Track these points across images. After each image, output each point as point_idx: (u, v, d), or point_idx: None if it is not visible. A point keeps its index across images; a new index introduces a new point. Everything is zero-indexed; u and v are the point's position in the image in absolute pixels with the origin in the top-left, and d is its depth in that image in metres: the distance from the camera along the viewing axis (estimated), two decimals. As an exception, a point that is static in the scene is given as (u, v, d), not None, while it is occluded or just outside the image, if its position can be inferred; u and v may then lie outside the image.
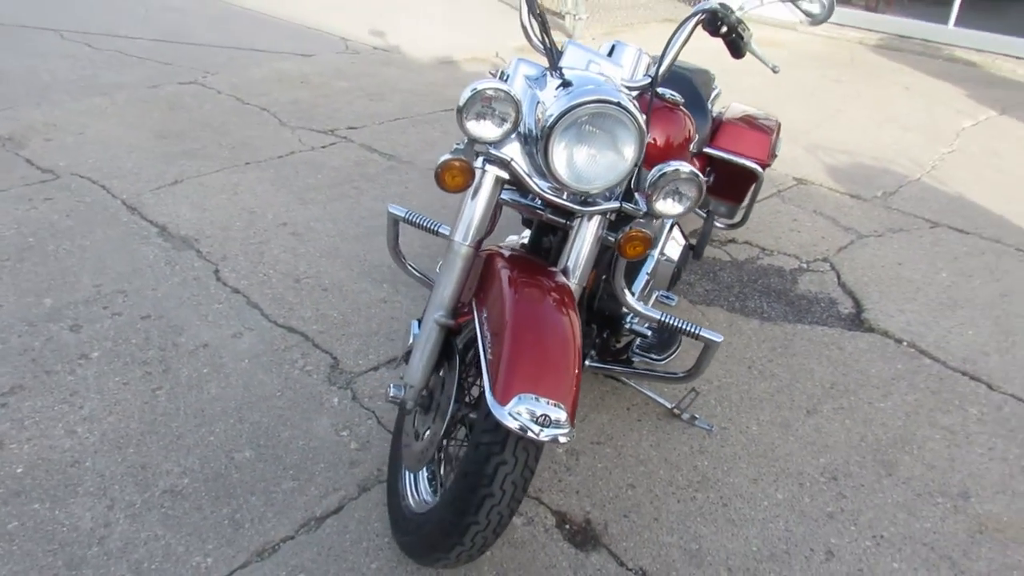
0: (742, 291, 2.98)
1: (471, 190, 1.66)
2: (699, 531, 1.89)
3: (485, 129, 1.54)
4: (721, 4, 1.84)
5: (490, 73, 1.80)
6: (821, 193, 3.92)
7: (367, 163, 3.90)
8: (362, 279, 2.87)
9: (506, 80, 1.70)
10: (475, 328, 1.64)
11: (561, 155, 1.54)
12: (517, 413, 1.37)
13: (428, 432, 1.68)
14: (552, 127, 1.51)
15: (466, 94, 1.50)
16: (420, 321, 1.78)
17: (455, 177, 1.61)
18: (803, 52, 6.72)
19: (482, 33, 6.64)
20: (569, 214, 1.80)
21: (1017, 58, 6.56)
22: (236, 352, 2.42)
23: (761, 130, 2.75)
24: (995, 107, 5.46)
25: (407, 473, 1.84)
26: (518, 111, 1.53)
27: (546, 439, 1.37)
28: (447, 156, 1.59)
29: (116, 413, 2.15)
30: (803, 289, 3.01)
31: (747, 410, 2.32)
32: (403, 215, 2.08)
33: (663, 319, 1.86)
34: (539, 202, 1.80)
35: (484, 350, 1.49)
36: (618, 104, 1.51)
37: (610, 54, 1.90)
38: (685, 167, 1.57)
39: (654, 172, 1.58)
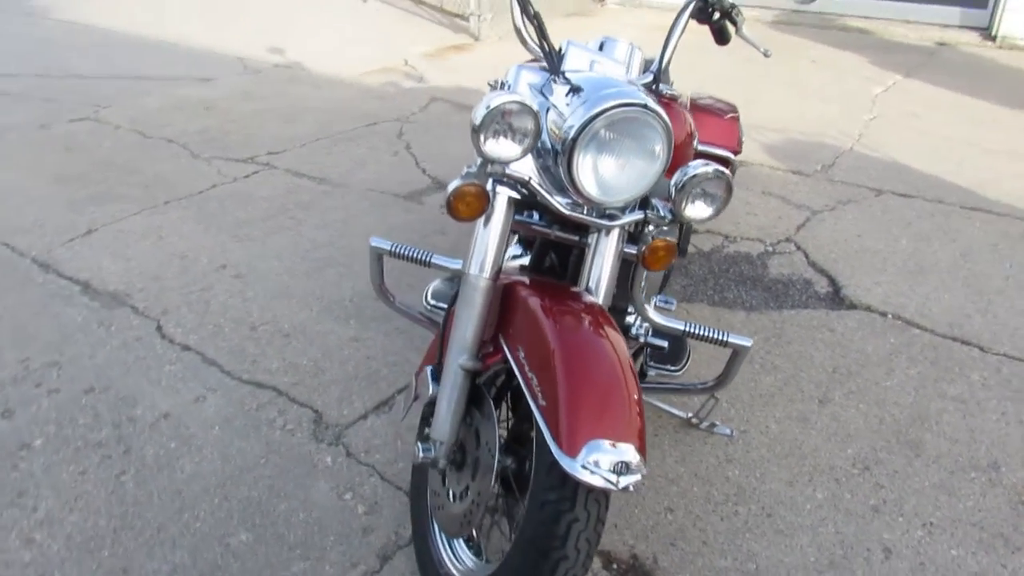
0: (717, 283, 2.90)
1: (483, 217, 1.49)
2: (751, 548, 1.78)
3: (504, 148, 1.37)
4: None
5: (489, 85, 1.64)
6: (764, 173, 3.91)
7: (298, 190, 3.64)
8: (324, 318, 2.64)
9: (508, 90, 1.53)
10: (505, 369, 1.49)
11: (587, 168, 1.39)
12: (592, 464, 1.21)
13: (470, 492, 1.49)
14: (576, 139, 1.36)
15: (480, 112, 1.33)
16: (434, 367, 1.60)
17: (470, 205, 1.43)
18: (706, 35, 6.76)
19: (385, 43, 6.40)
20: (582, 230, 1.65)
21: (906, 22, 6.81)
22: (203, 419, 2.16)
23: (727, 117, 2.67)
24: (899, 71, 5.63)
25: (440, 539, 1.65)
26: (538, 125, 1.36)
27: (625, 488, 1.22)
28: (458, 182, 1.41)
29: (78, 510, 1.87)
30: (776, 273, 2.96)
31: (760, 408, 2.23)
32: (388, 248, 1.88)
33: (688, 329, 1.74)
34: (544, 220, 1.65)
35: (533, 394, 1.32)
36: (644, 106, 1.37)
37: (600, 50, 1.75)
38: (712, 167, 1.44)
39: (679, 175, 1.45)
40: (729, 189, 1.48)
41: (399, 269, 2.77)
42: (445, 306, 2.12)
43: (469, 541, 1.64)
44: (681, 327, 1.73)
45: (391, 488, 1.94)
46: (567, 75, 1.51)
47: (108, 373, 2.34)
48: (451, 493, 1.56)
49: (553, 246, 1.80)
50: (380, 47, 6.25)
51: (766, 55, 1.94)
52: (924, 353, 2.48)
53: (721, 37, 1.89)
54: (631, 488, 1.23)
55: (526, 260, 1.92)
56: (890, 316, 2.68)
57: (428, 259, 1.87)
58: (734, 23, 1.82)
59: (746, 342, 1.74)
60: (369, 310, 2.69)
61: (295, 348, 2.48)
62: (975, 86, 5.26)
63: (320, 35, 6.63)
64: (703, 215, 1.49)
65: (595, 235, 1.60)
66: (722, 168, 1.45)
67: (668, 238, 1.56)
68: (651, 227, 1.55)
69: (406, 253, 1.88)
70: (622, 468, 1.22)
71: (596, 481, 1.20)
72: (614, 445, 1.23)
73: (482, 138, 1.35)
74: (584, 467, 1.21)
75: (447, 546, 1.64)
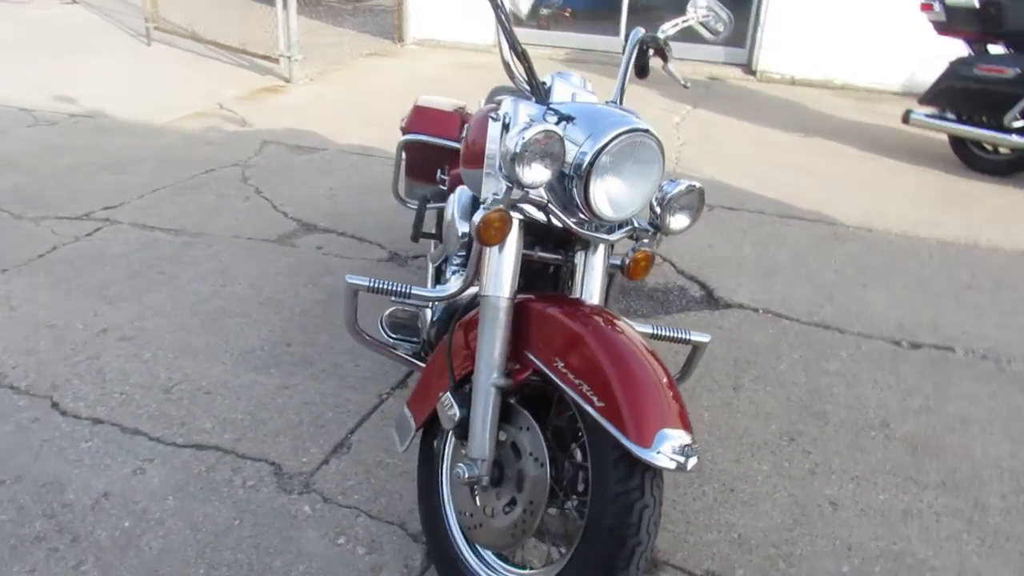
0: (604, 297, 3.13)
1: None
2: (728, 520, 1.99)
3: (538, 174, 1.47)
4: (661, 31, 1.94)
5: (491, 117, 1.71)
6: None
7: (155, 244, 3.41)
8: (241, 370, 2.52)
9: (509, 122, 1.63)
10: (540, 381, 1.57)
11: (600, 189, 1.53)
12: (667, 451, 1.34)
13: (518, 503, 1.55)
14: (592, 164, 1.49)
15: (518, 141, 1.43)
16: (453, 391, 1.64)
17: (499, 230, 1.53)
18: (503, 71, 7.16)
19: (187, 87, 6.10)
20: (562, 249, 1.79)
21: (681, 59, 7.64)
22: (150, 491, 2.00)
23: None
24: (687, 103, 6.33)
25: (471, 558, 1.68)
26: (564, 150, 1.49)
27: (693, 468, 1.37)
28: (484, 212, 1.49)
29: (42, 610, 1.66)
30: (653, 283, 3.26)
31: (691, 400, 2.46)
32: (366, 284, 1.89)
33: (655, 331, 1.92)
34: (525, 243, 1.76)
35: (586, 398, 1.42)
36: (646, 131, 1.54)
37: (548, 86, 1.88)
38: (686, 183, 1.64)
39: (663, 192, 1.63)
40: (702, 200, 1.69)
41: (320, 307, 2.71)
42: (411, 338, 2.14)
43: (501, 553, 1.69)
44: (649, 330, 1.91)
45: (383, 524, 1.93)
46: (557, 106, 1.64)
47: (13, 462, 2.08)
48: (489, 509, 1.60)
49: (525, 268, 1.90)
50: (184, 91, 5.94)
51: (685, 87, 2.19)
52: (799, 339, 2.87)
53: (643, 71, 2.11)
54: (694, 468, 1.37)
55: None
56: (761, 311, 3.06)
57: (408, 291, 1.90)
58: (665, 59, 2.04)
59: (705, 338, 1.96)
60: (286, 356, 2.61)
61: (223, 404, 2.35)
62: (750, 113, 6.06)
63: (109, 81, 6.17)
64: (683, 225, 1.69)
65: (581, 252, 1.74)
66: (694, 183, 1.66)
67: (647, 249, 1.75)
68: (635, 240, 1.73)
69: (384, 287, 1.90)
70: (687, 451, 1.36)
71: (671, 465, 1.33)
72: (675, 431, 1.37)
73: (519, 166, 1.44)
74: (660, 454, 1.33)
75: (479, 563, 1.68)
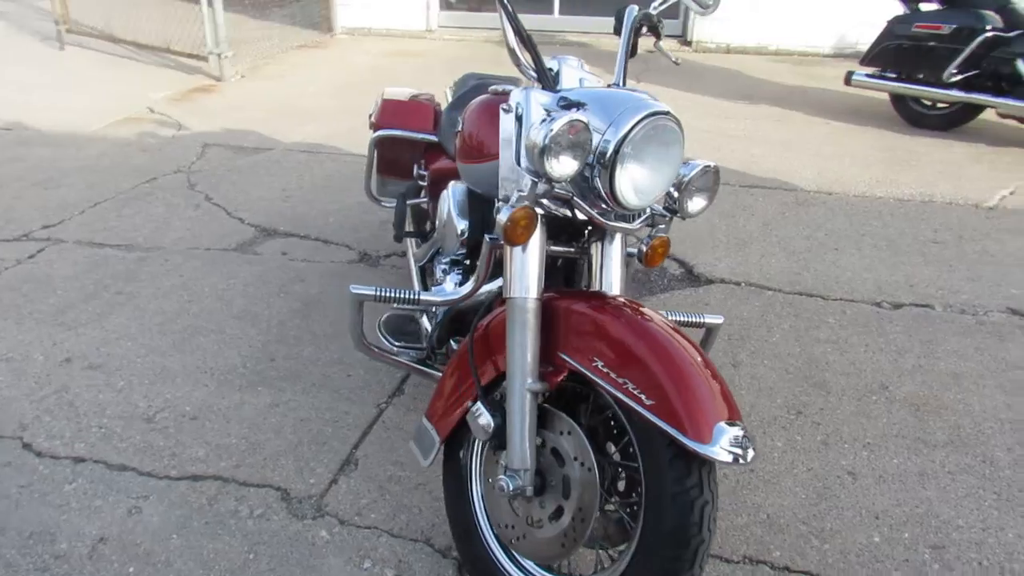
0: (587, 281, 3.09)
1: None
2: (755, 501, 1.97)
3: (566, 166, 1.40)
4: (652, 7, 1.89)
5: (503, 109, 1.61)
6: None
7: (106, 262, 3.21)
8: (227, 391, 2.39)
9: (521, 113, 1.54)
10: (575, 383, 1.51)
11: (626, 177, 1.47)
12: (727, 445, 1.30)
13: (566, 511, 1.49)
14: (617, 151, 1.43)
15: (544, 133, 1.35)
16: (481, 400, 1.56)
17: (527, 228, 1.46)
18: (446, 57, 7.03)
19: (112, 91, 5.79)
20: (576, 241, 1.73)
21: (612, 34, 7.63)
22: (152, 531, 1.87)
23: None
24: (631, 76, 6.29)
25: (510, 569, 1.62)
26: (591, 140, 1.42)
27: (751, 459, 1.33)
28: (509, 210, 1.42)
29: (53, 675, 1.53)
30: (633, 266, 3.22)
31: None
32: (373, 293, 1.80)
33: (670, 318, 1.88)
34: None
35: (633, 397, 1.36)
36: (667, 113, 1.49)
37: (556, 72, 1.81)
38: (701, 164, 1.60)
39: (680, 175, 1.58)
40: (718, 180, 1.64)
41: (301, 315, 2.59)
42: (415, 344, 2.05)
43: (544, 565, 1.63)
44: (666, 316, 1.87)
45: (407, 542, 1.85)
46: (567, 93, 1.57)
47: (-8, 510, 1.92)
48: (534, 520, 1.54)
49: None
50: (108, 96, 5.63)
51: (676, 63, 2.14)
52: (785, 309, 2.87)
53: (634, 50, 2.05)
54: (752, 459, 1.33)
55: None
56: (743, 284, 3.06)
57: (416, 296, 1.82)
58: (658, 36, 1.99)
59: (718, 320, 1.93)
60: (271, 372, 2.49)
61: (213, 429, 2.22)
62: (694, 84, 6.08)
63: (24, 90, 5.80)
64: (701, 207, 1.64)
65: (597, 243, 1.68)
66: (710, 163, 1.61)
67: (664, 235, 1.69)
68: (652, 227, 1.67)
69: (391, 295, 1.81)
70: (744, 442, 1.33)
71: (731, 459, 1.29)
72: (731, 424, 1.33)
73: (547, 159, 1.37)
74: (720, 449, 1.29)
75: (525, 574, 1.62)
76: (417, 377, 2.40)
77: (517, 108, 1.55)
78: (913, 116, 5.05)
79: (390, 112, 2.64)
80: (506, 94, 1.81)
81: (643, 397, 1.36)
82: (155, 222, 3.60)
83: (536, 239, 1.51)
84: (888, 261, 3.25)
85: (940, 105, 4.95)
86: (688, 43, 7.37)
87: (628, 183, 1.47)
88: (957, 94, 4.64)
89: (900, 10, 4.92)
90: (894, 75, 4.93)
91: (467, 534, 1.70)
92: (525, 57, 1.61)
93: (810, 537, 1.87)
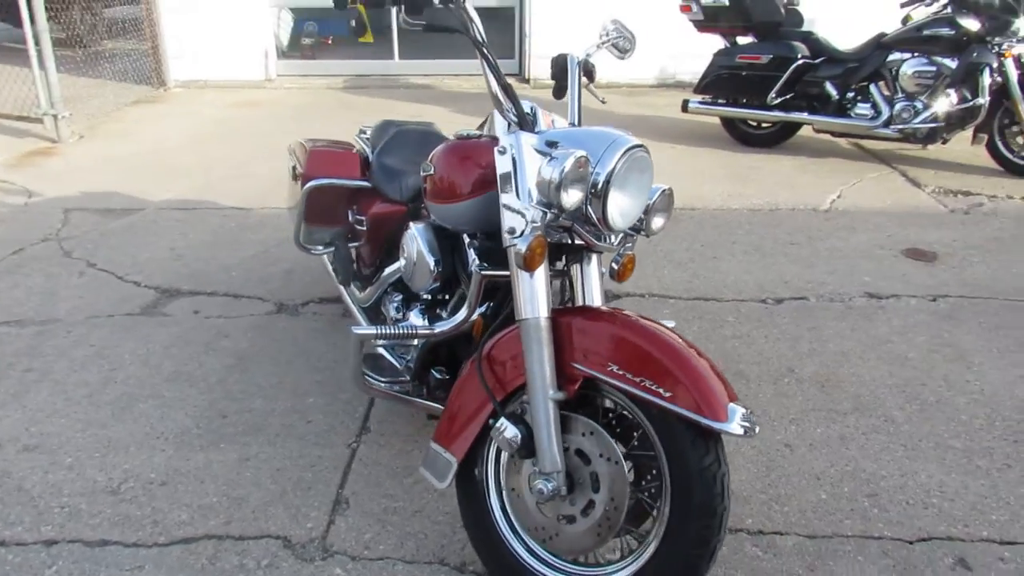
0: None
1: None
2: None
3: (574, 197, 1.60)
4: (585, 54, 2.12)
5: (498, 151, 1.75)
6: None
7: (0, 341, 3.01)
8: (188, 452, 2.35)
9: (515, 156, 1.71)
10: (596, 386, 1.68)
11: (614, 204, 1.68)
12: (739, 421, 1.53)
13: (596, 504, 1.65)
14: (608, 181, 1.64)
15: (559, 169, 1.54)
16: (501, 415, 1.71)
17: (540, 255, 1.63)
18: (293, 105, 7.02)
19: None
20: (552, 264, 1.92)
21: (456, 75, 7.95)
22: (160, 598, 1.84)
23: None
24: (481, 115, 6.60)
25: (543, 571, 1.76)
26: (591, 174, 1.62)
27: (758, 431, 1.57)
28: (527, 240, 1.58)
29: None
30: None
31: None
32: (375, 332, 1.90)
33: None
34: None
35: (652, 392, 1.56)
36: (641, 145, 1.72)
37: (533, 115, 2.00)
38: (662, 187, 1.86)
39: (651, 195, 1.82)
40: (672, 201, 1.91)
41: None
42: (398, 378, 2.15)
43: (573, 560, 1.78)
44: None
45: (423, 566, 1.93)
46: (549, 134, 1.77)
47: (-30, 609, 1.81)
48: (565, 516, 1.69)
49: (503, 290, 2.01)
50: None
51: (603, 102, 2.39)
52: (691, 313, 3.21)
53: (561, 92, 2.27)
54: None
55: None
56: (647, 295, 3.37)
57: (414, 331, 1.94)
58: (591, 79, 2.23)
59: (670, 324, 2.19)
60: (228, 428, 2.47)
61: (188, 491, 2.19)
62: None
63: None
64: (661, 225, 1.89)
65: (576, 264, 1.89)
66: (666, 187, 1.87)
67: (631, 253, 1.93)
68: (624, 244, 1.89)
69: (391, 332, 1.92)
70: (751, 418, 1.56)
71: (743, 433, 1.52)
72: (738, 405, 1.57)
73: (562, 192, 1.56)
74: (736, 424, 1.52)
75: (559, 572, 1.76)
76: (381, 412, 2.50)
77: (511, 149, 1.72)
78: (743, 136, 5.69)
79: (320, 162, 2.71)
80: (471, 138, 1.99)
81: (661, 391, 1.56)
82: (39, 294, 3.39)
83: (543, 267, 1.68)
84: (760, 263, 3.69)
85: (764, 125, 5.62)
86: (527, 80, 7.81)
87: (616, 209, 1.69)
88: (779, 114, 5.31)
89: (721, 44, 5.55)
90: (724, 101, 5.54)
91: (493, 546, 1.82)
92: (507, 102, 1.78)
93: (771, 503, 2.14)
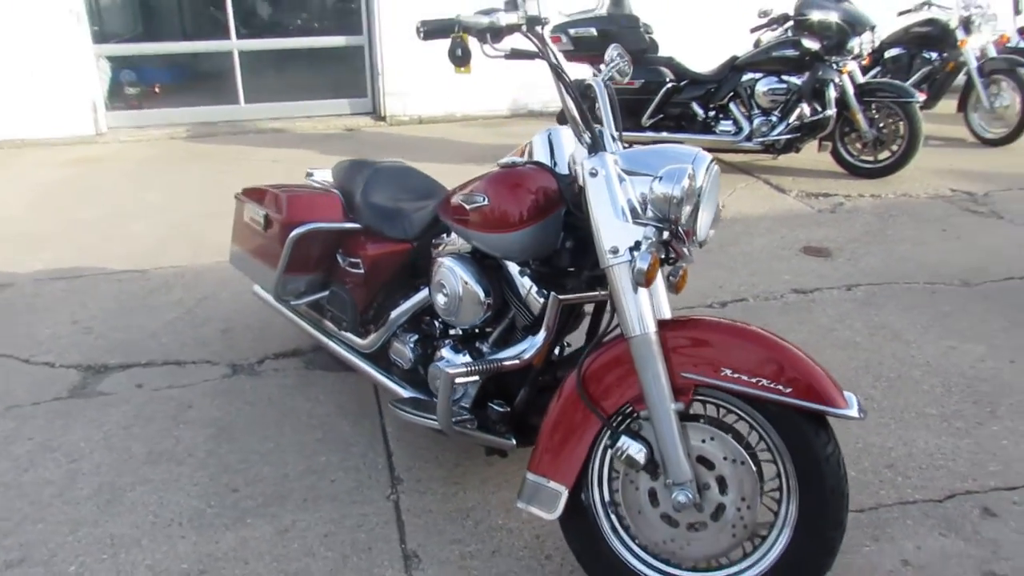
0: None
1: (629, 282, 1.70)
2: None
3: (687, 211, 1.65)
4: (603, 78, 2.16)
5: (589, 174, 1.72)
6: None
7: (-92, 447, 2.56)
8: (214, 533, 2.13)
9: (604, 174, 1.74)
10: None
11: (704, 215, 1.76)
12: (856, 406, 1.64)
13: (727, 506, 1.70)
14: (701, 193, 1.72)
15: (679, 186, 1.61)
16: (618, 433, 1.73)
17: (656, 270, 1.66)
18: (136, 160, 6.49)
19: None
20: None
21: (308, 117, 7.73)
22: None
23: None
24: (344, 154, 6.47)
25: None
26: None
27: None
28: (647, 257, 1.62)
29: None
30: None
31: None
32: (466, 369, 1.87)
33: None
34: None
35: (770, 390, 1.64)
36: (715, 159, 1.82)
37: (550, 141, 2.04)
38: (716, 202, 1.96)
39: None
40: (720, 214, 2.02)
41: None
42: (464, 417, 2.08)
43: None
44: None
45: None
46: (623, 154, 1.81)
47: None
48: (694, 525, 1.72)
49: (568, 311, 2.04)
50: None
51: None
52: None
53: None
54: None
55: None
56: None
57: (498, 364, 1.91)
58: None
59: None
60: (248, 501, 2.26)
61: (239, 575, 1.98)
62: (419, 154, 6.39)
63: None
64: (713, 235, 1.99)
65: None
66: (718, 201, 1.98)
67: (686, 264, 2.01)
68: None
69: (481, 367, 1.89)
70: (861, 401, 1.69)
71: (862, 416, 1.64)
72: (847, 391, 1.68)
73: (682, 207, 1.61)
74: (855, 410, 1.63)
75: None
76: (404, 459, 2.42)
77: (602, 171, 1.74)
78: (616, 158, 5.98)
79: (302, 207, 2.56)
80: (516, 166, 2.00)
81: (780, 388, 1.64)
82: (-59, 387, 2.92)
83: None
84: (693, 271, 3.90)
85: (635, 145, 5.94)
86: (383, 118, 7.75)
87: (704, 220, 1.76)
88: (652, 134, 5.66)
89: (588, 73, 5.84)
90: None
91: (614, 570, 1.80)
92: (583, 126, 1.81)
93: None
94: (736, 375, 1.67)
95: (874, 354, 3.05)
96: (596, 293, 1.95)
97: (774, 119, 5.40)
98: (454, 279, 2.10)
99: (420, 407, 2.19)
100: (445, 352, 2.23)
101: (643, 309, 1.70)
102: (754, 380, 1.66)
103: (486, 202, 1.97)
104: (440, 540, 2.09)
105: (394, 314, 2.42)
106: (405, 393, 2.32)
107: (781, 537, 1.71)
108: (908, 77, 6.56)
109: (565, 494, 1.78)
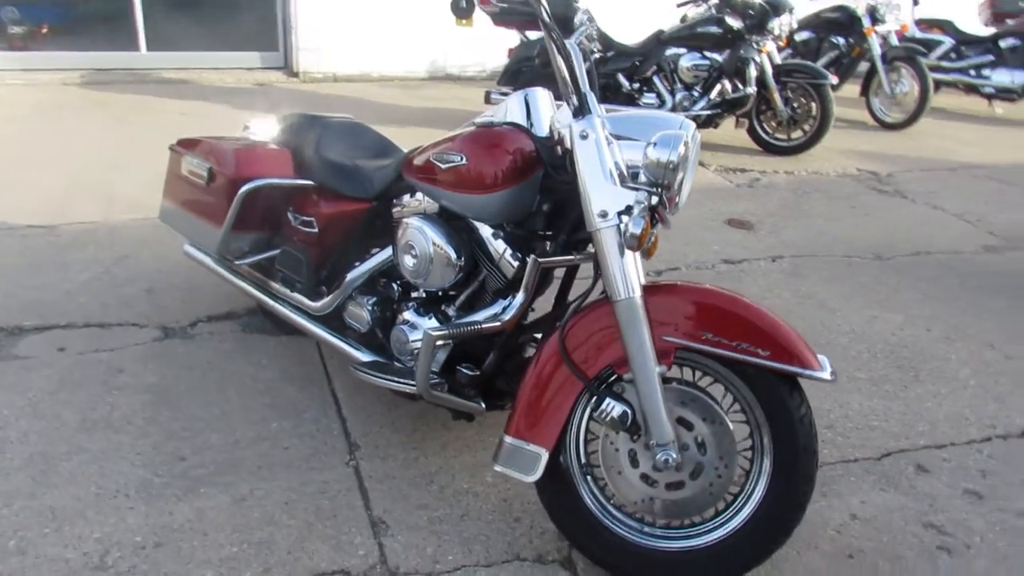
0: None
1: (616, 246, 1.71)
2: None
3: (680, 176, 1.67)
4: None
5: (580, 136, 1.69)
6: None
7: None
8: (165, 504, 2.03)
9: (594, 136, 1.73)
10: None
11: (687, 181, 1.78)
12: (827, 367, 1.72)
13: (706, 467, 1.75)
14: (687, 159, 1.73)
15: (678, 151, 1.61)
16: (609, 395, 1.75)
17: (647, 234, 1.67)
18: (28, 105, 5.98)
19: None
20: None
21: (216, 69, 7.34)
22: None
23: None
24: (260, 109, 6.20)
25: (653, 543, 1.81)
26: (686, 154, 1.70)
27: (835, 376, 1.78)
28: (640, 221, 1.63)
29: None
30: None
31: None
32: (447, 331, 1.84)
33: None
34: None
35: (749, 352, 1.69)
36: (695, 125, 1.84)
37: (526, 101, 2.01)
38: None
39: None
40: None
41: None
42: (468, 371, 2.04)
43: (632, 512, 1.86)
44: None
45: (501, 567, 1.89)
46: (607, 117, 1.81)
47: None
48: (671, 484, 1.76)
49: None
50: None
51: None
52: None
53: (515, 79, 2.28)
54: None
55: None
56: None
57: (480, 325, 1.89)
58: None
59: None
60: (198, 470, 2.16)
61: (198, 547, 1.90)
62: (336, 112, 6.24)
63: None
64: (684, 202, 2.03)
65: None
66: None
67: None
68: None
69: (463, 329, 1.87)
70: (830, 363, 1.76)
71: (833, 378, 1.72)
72: (820, 354, 1.75)
73: (677, 172, 1.62)
74: (827, 371, 1.70)
75: (658, 538, 1.82)
76: (359, 425, 2.37)
77: (592, 133, 1.73)
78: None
79: (251, 162, 2.43)
80: (493, 127, 1.96)
81: (759, 351, 1.70)
82: None
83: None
84: (622, 241, 3.96)
85: (559, 115, 5.96)
86: (295, 74, 7.46)
87: (687, 186, 1.79)
88: (578, 105, 5.66)
89: (515, 38, 5.79)
90: (525, 92, 5.78)
91: (593, 530, 1.82)
92: (571, 87, 1.79)
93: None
94: (716, 339, 1.71)
95: (805, 322, 3.19)
96: (573, 256, 1.95)
97: (696, 94, 5.52)
98: (424, 240, 2.05)
99: (386, 370, 2.14)
100: (408, 315, 2.18)
101: (630, 273, 1.71)
102: (734, 344, 1.70)
103: (463, 161, 1.93)
104: (406, 505, 2.06)
105: (351, 276, 2.34)
106: (364, 357, 2.26)
107: (754, 494, 1.77)
108: (816, 60, 6.83)
109: (545, 456, 1.78)
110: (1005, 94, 7.32)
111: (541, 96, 2.01)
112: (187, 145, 2.65)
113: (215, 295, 3.12)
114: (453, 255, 2.03)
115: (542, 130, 1.96)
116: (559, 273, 2.16)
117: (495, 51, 7.49)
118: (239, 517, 1.99)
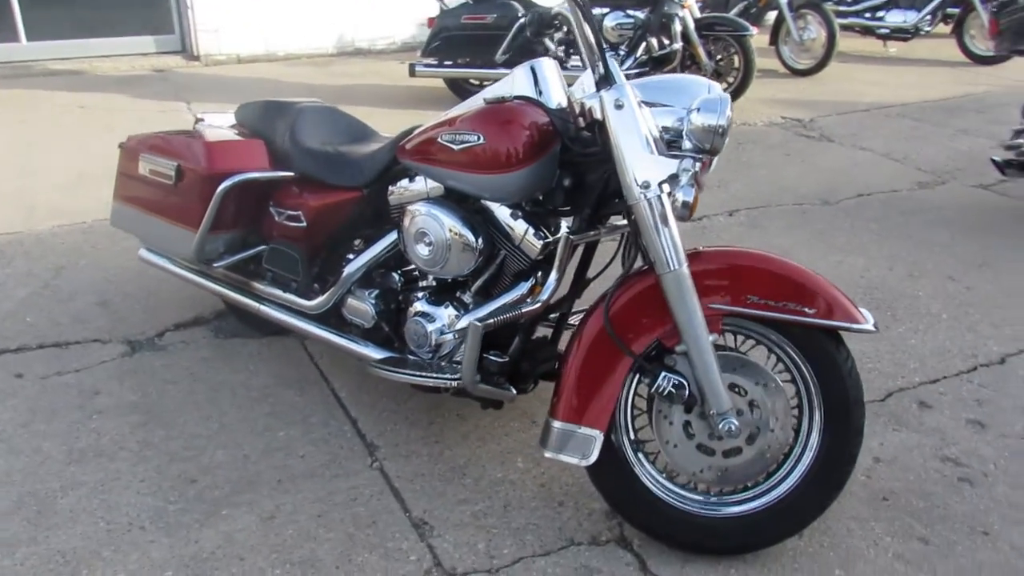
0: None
1: (658, 217, 1.67)
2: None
3: (724, 141, 1.63)
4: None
5: (615, 105, 1.61)
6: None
7: None
8: (188, 532, 1.89)
9: (627, 105, 1.67)
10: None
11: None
12: (871, 320, 1.74)
13: (761, 429, 1.74)
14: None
15: (723, 116, 1.58)
16: (659, 370, 1.72)
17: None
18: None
19: None
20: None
21: (105, 57, 6.82)
22: None
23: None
24: (179, 100, 5.83)
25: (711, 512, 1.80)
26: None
27: (876, 328, 1.81)
28: (691, 189, 1.59)
29: None
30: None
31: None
32: (493, 320, 1.76)
33: None
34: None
35: (795, 312, 1.70)
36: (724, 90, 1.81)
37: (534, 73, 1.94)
38: None
39: None
40: None
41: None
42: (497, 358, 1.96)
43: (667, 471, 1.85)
44: None
45: (558, 554, 1.85)
46: (634, 83, 1.76)
47: None
48: (733, 451, 1.75)
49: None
50: None
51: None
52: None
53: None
54: None
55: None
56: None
57: (522, 311, 1.83)
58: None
59: None
60: (214, 491, 2.02)
61: (237, 572, 1.77)
62: (238, 100, 5.92)
63: None
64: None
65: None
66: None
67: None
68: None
69: (508, 316, 1.80)
70: (875, 316, 1.79)
71: (876, 329, 1.75)
72: (861, 307, 1.77)
73: (725, 138, 1.59)
74: (872, 324, 1.73)
75: (714, 506, 1.82)
76: (370, 425, 2.27)
77: (628, 102, 1.67)
78: (468, 95, 5.85)
79: (226, 156, 2.24)
80: (504, 101, 1.88)
81: (805, 310, 1.70)
82: None
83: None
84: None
85: (486, 83, 5.84)
86: (196, 57, 7.03)
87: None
88: (506, 71, 5.56)
89: (436, 9, 5.62)
90: (450, 62, 5.64)
91: (651, 506, 1.80)
92: (597, 55, 1.72)
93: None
94: (763, 301, 1.71)
95: (778, 273, 3.25)
96: (601, 230, 1.91)
97: (622, 53, 5.51)
98: (439, 226, 1.95)
99: (411, 367, 2.04)
100: (421, 307, 2.09)
101: (677, 244, 1.68)
102: (780, 304, 1.70)
103: (481, 141, 1.84)
104: (445, 503, 1.99)
105: (349, 269, 2.21)
106: (376, 354, 2.14)
107: (807, 451, 1.79)
108: (726, 12, 6.94)
109: (600, 438, 1.74)
110: (899, 34, 7.65)
111: (547, 66, 1.93)
112: (144, 142, 2.43)
113: (177, 300, 2.92)
114: (472, 239, 1.94)
115: (552, 102, 1.89)
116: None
117: (404, 22, 7.30)
118: (272, 536, 1.87)
